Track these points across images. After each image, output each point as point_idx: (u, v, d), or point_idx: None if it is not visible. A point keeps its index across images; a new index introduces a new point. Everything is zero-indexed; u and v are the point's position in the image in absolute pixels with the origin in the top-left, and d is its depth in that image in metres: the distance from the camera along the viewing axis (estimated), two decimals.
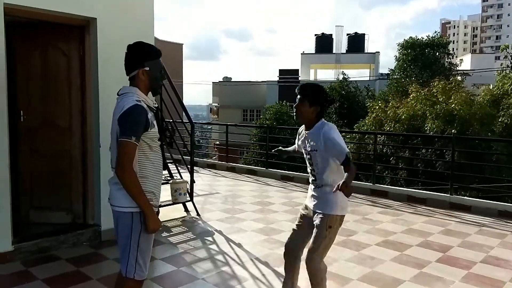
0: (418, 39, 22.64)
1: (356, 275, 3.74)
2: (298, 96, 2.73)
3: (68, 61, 4.40)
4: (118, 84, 4.65)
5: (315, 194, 2.77)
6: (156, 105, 2.39)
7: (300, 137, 2.90)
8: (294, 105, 2.79)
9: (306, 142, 2.78)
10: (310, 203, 2.81)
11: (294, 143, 3.07)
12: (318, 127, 2.70)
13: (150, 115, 2.22)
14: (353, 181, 2.54)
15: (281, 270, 3.75)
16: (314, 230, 2.71)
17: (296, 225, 2.93)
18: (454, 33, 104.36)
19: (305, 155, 2.85)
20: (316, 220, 2.71)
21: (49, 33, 4.34)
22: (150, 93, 2.38)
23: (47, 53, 4.38)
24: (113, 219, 2.32)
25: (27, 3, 3.75)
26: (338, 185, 2.38)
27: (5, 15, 3.64)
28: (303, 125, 2.85)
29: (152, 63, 2.28)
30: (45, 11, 3.89)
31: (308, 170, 2.84)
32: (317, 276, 2.73)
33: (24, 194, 4.38)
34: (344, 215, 2.75)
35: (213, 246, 4.44)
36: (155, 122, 2.26)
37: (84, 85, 4.42)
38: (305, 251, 2.81)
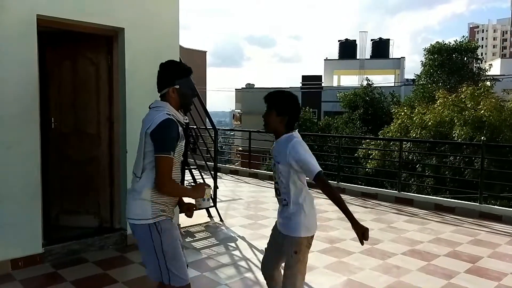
0: (445, 44, 22.14)
1: (382, 284, 3.67)
2: (266, 105, 2.57)
3: (97, 70, 4.54)
4: (145, 92, 4.76)
5: (281, 213, 2.63)
6: (187, 121, 2.43)
7: (274, 147, 2.69)
8: (262, 115, 2.60)
9: (273, 153, 2.63)
10: (278, 224, 2.69)
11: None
12: (285, 139, 2.52)
13: (180, 128, 2.29)
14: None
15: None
16: (284, 258, 2.59)
17: (268, 244, 2.81)
18: (482, 38, 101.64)
19: (272, 167, 2.70)
20: (283, 246, 2.58)
21: (79, 43, 4.50)
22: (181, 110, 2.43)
23: (77, 63, 4.53)
24: (132, 232, 2.33)
25: (59, 14, 3.90)
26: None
27: (38, 25, 3.80)
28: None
29: (183, 81, 2.34)
30: (75, 22, 4.04)
31: (274, 184, 2.69)
32: None
33: (54, 198, 4.53)
34: (312, 236, 2.58)
35: (236, 252, 4.46)
36: (182, 135, 2.31)
37: (112, 93, 4.55)
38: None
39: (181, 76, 2.35)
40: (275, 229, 2.75)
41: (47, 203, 4.34)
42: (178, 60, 2.40)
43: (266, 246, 2.82)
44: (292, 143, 2.45)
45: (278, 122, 2.52)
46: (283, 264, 2.71)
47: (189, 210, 2.47)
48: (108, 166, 4.60)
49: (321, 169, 2.41)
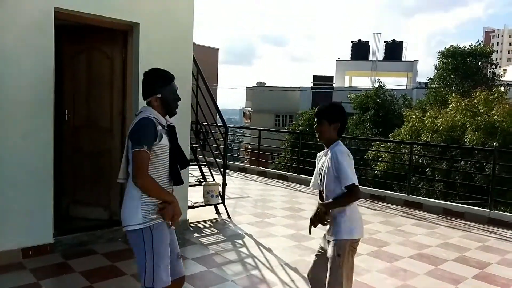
0: (459, 47, 21.88)
1: (388, 287, 3.66)
2: (316, 119, 2.72)
3: (111, 64, 4.58)
4: None
5: (327, 220, 2.65)
6: (172, 124, 2.48)
7: (318, 159, 2.82)
8: (314, 128, 2.75)
9: (321, 161, 2.73)
10: (325, 231, 2.73)
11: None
12: (335, 145, 2.65)
13: (159, 128, 2.32)
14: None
15: None
16: (328, 261, 2.60)
17: (316, 255, 2.82)
18: (498, 42, 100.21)
19: (318, 176, 2.77)
20: (328, 250, 2.61)
21: (95, 37, 4.55)
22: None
23: (92, 56, 4.58)
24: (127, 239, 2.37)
25: (76, 8, 3.95)
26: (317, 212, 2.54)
27: (55, 18, 3.85)
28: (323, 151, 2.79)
29: (164, 89, 2.43)
30: (92, 16, 4.09)
31: (319, 191, 2.78)
32: None
33: (66, 190, 4.59)
34: (356, 240, 2.60)
35: (243, 249, 4.48)
36: (165, 136, 2.35)
37: (125, 88, 4.58)
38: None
39: (163, 85, 2.43)
40: (323, 238, 2.77)
41: (59, 194, 4.40)
42: (162, 70, 2.51)
43: (313, 257, 2.83)
44: (335, 149, 2.60)
45: (331, 130, 2.67)
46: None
47: (172, 218, 2.31)
48: (119, 160, 4.62)
49: (355, 182, 2.50)
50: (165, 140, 2.34)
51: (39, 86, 3.80)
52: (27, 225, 3.80)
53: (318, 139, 2.76)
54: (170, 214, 2.29)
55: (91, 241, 4.26)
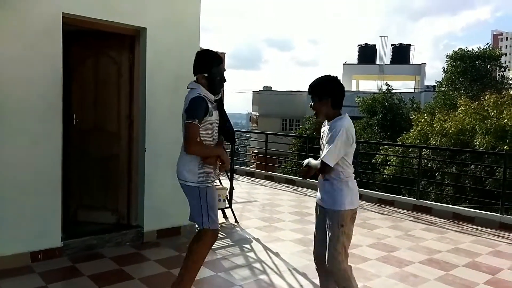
0: (468, 50, 21.75)
1: None
2: (310, 97, 2.71)
3: (118, 69, 4.60)
4: (165, 91, 4.83)
5: (322, 189, 2.70)
6: (218, 97, 2.89)
7: (322, 128, 2.82)
8: (310, 105, 2.76)
9: (325, 132, 2.73)
10: (319, 201, 2.75)
11: None
12: (335, 120, 2.63)
13: (210, 105, 2.76)
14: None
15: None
16: (327, 232, 2.63)
17: (315, 228, 2.85)
18: (506, 45, 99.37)
19: (321, 145, 2.80)
20: (327, 220, 2.64)
21: (102, 42, 4.58)
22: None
23: (99, 61, 4.61)
24: (182, 188, 2.90)
25: (84, 13, 3.98)
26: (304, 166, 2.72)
27: (63, 24, 3.88)
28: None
29: (212, 69, 2.82)
30: (99, 21, 4.11)
31: None
32: (344, 278, 2.65)
33: (74, 194, 4.60)
34: (355, 208, 2.65)
35: (251, 254, 4.45)
36: (214, 112, 2.81)
37: (132, 92, 4.60)
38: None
39: (211, 66, 2.82)
40: (316, 208, 2.80)
41: (67, 198, 4.41)
42: (211, 51, 2.93)
43: (314, 232, 2.87)
44: (338, 123, 2.59)
45: (324, 106, 2.64)
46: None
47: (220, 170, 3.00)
48: (127, 164, 4.65)
49: (329, 163, 2.53)
50: (215, 115, 2.80)
51: (48, 91, 3.83)
52: (36, 229, 3.81)
53: (315, 117, 2.76)
54: (216, 163, 2.87)
55: (99, 244, 4.27)
